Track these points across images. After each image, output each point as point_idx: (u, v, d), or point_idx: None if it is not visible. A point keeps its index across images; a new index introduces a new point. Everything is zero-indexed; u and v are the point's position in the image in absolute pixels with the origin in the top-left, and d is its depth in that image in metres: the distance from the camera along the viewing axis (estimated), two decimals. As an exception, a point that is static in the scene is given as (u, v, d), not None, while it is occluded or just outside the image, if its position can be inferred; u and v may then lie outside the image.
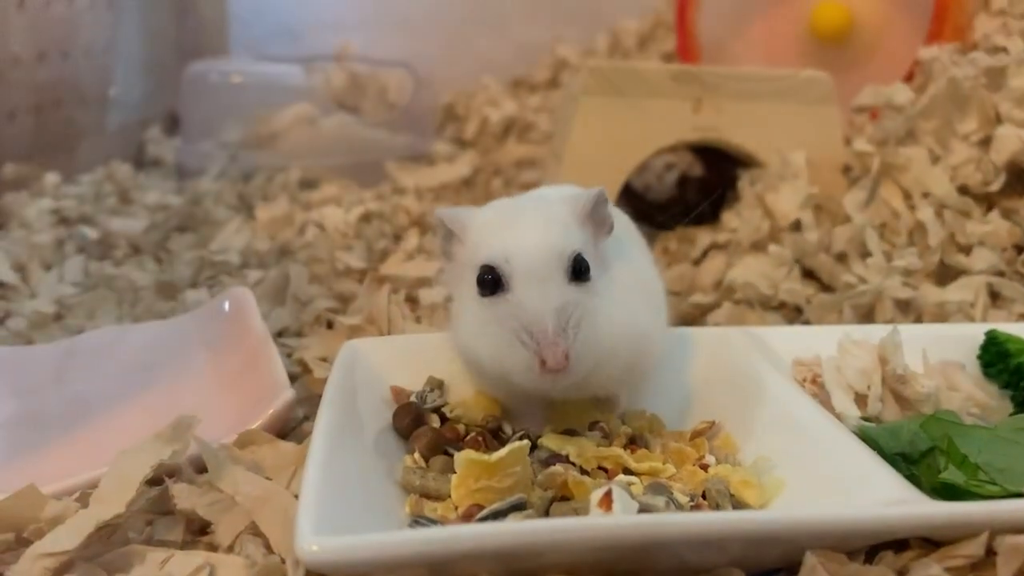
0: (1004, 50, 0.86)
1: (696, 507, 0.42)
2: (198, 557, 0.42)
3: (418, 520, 0.40)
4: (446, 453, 0.47)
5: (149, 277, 0.86)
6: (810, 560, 0.36)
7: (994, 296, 0.68)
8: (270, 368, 0.59)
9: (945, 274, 0.73)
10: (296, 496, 0.44)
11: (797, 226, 0.77)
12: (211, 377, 0.65)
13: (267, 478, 0.46)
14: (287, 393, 0.54)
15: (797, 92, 0.85)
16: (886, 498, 0.38)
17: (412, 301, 0.74)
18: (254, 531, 0.44)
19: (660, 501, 0.40)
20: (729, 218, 0.82)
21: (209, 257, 0.85)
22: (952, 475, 0.43)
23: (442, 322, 0.72)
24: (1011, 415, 0.54)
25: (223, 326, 0.68)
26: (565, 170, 0.81)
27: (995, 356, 0.57)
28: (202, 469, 0.49)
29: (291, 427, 0.57)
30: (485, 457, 0.41)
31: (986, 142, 0.79)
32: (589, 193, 0.48)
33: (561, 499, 0.42)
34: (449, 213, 0.49)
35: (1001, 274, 0.70)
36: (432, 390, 0.52)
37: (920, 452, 0.46)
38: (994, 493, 0.41)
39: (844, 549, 0.37)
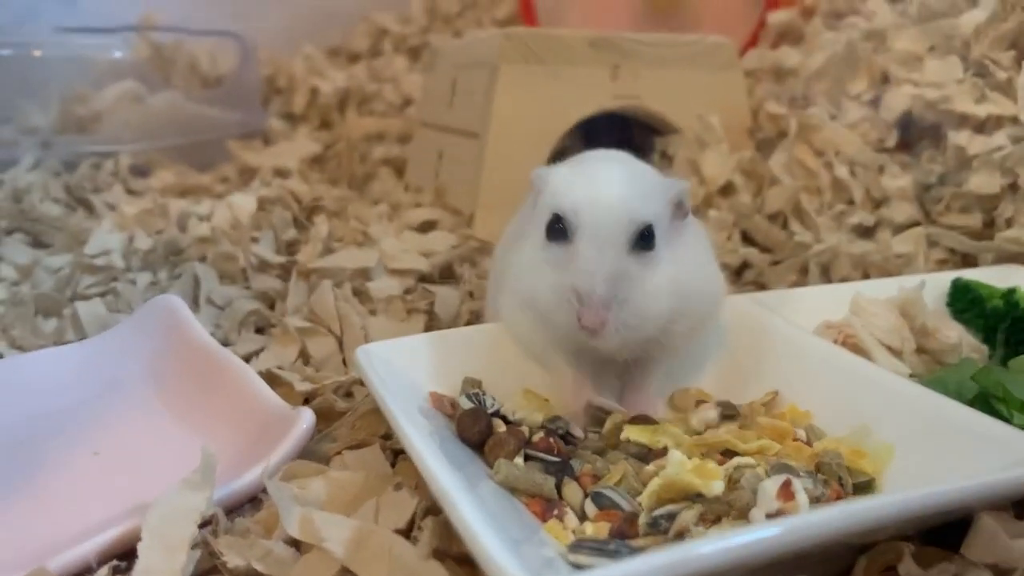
0: (874, 14, 0.91)
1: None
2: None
3: (582, 544, 0.35)
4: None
5: (2, 292, 0.72)
6: (986, 523, 0.36)
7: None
8: (248, 386, 0.52)
9: (863, 229, 0.77)
10: (399, 532, 0.39)
11: (726, 190, 0.78)
12: (158, 405, 0.55)
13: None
14: (307, 414, 0.47)
15: (704, 57, 0.86)
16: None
17: (359, 295, 0.67)
18: (346, 583, 0.37)
19: (812, 483, 0.38)
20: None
21: (87, 262, 0.72)
22: (1025, 420, 0.45)
23: (406, 317, 0.66)
24: (989, 358, 0.57)
25: (157, 344, 0.58)
26: (491, 140, 0.77)
27: (968, 303, 0.60)
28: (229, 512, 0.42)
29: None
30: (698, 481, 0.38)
31: (875, 102, 0.84)
32: (679, 182, 0.48)
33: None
34: (540, 170, 0.49)
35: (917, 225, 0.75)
36: (475, 392, 0.47)
37: (967, 401, 0.48)
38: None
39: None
